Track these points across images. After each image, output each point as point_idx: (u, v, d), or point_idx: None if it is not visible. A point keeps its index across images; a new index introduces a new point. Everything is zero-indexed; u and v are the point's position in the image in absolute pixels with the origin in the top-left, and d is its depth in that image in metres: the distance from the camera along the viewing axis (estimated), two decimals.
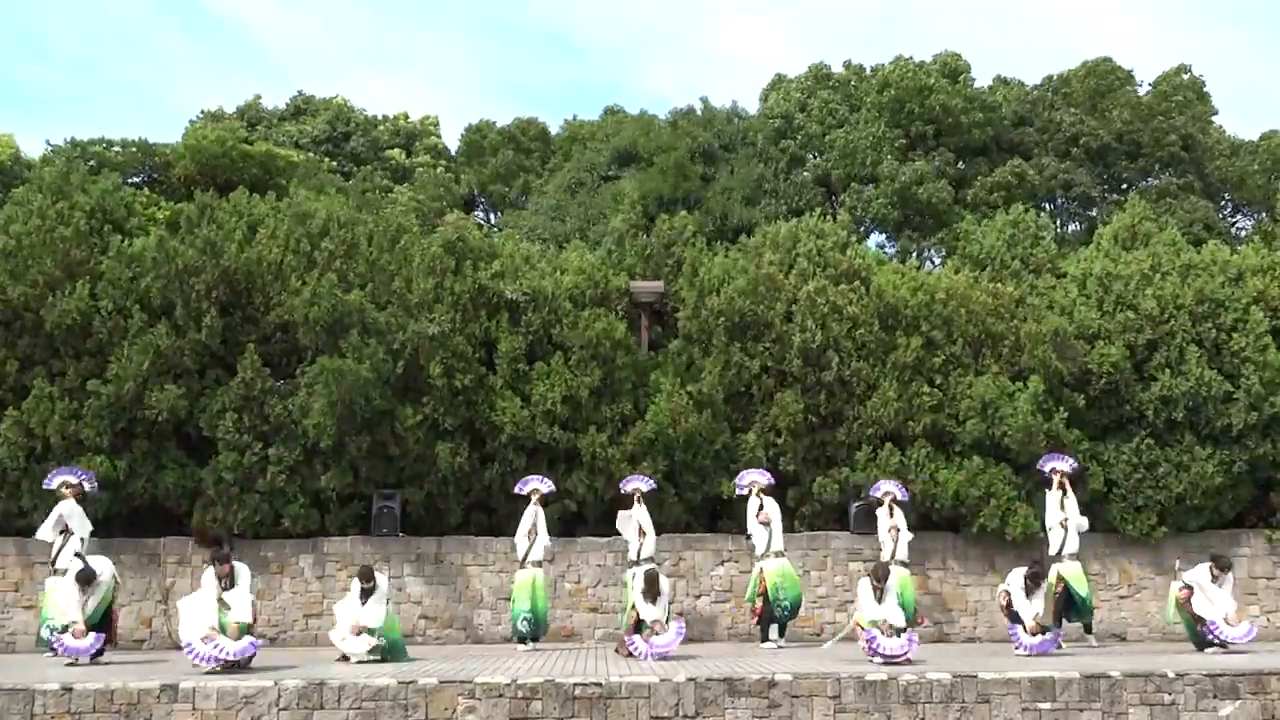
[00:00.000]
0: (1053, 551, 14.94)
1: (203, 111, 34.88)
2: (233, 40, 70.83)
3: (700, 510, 16.74)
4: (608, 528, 15.97)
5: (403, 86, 67.53)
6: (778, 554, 14.78)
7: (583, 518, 16.53)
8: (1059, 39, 64.16)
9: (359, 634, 12.90)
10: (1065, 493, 15.14)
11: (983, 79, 31.04)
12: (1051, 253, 19.64)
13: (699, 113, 31.06)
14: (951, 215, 26.62)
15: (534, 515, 14.82)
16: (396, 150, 35.23)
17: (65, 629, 12.88)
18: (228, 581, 12.29)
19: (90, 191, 17.69)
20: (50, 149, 26.27)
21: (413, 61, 71.81)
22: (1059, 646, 13.79)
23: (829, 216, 19.47)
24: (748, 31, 70.63)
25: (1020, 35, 67.71)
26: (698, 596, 16.10)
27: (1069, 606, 14.96)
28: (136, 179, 27.04)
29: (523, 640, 14.53)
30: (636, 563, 14.62)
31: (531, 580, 14.57)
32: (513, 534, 15.32)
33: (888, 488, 15.43)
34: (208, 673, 11.26)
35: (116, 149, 26.56)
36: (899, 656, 12.01)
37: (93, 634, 12.92)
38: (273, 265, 16.67)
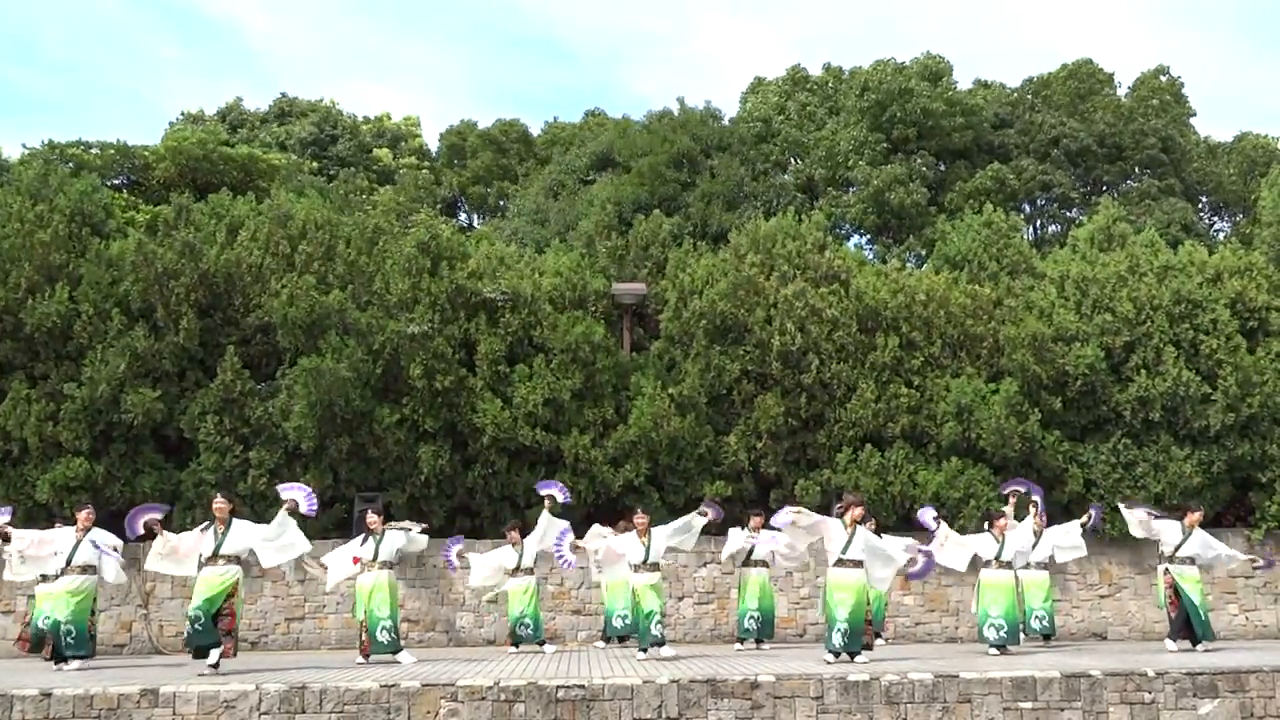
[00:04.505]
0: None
1: (182, 113, 34.70)
2: (223, 45, 70.71)
3: (683, 513, 16.67)
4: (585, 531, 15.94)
5: (390, 90, 67.60)
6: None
7: (566, 520, 16.49)
8: (1040, 41, 64.65)
9: None
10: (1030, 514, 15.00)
11: (964, 81, 31.21)
12: (1025, 252, 19.72)
13: (676, 114, 31.01)
14: (928, 218, 26.71)
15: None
16: (385, 150, 35.10)
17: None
18: None
19: (68, 194, 17.61)
20: (27, 151, 26.07)
21: (400, 65, 71.82)
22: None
23: (805, 218, 19.49)
24: (734, 35, 70.89)
25: (1001, 37, 68.17)
26: (680, 598, 16.11)
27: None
28: (116, 181, 26.86)
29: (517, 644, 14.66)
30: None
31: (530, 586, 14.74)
32: (496, 536, 15.28)
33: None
34: None
35: (95, 151, 26.36)
36: None
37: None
38: (252, 267, 16.63)
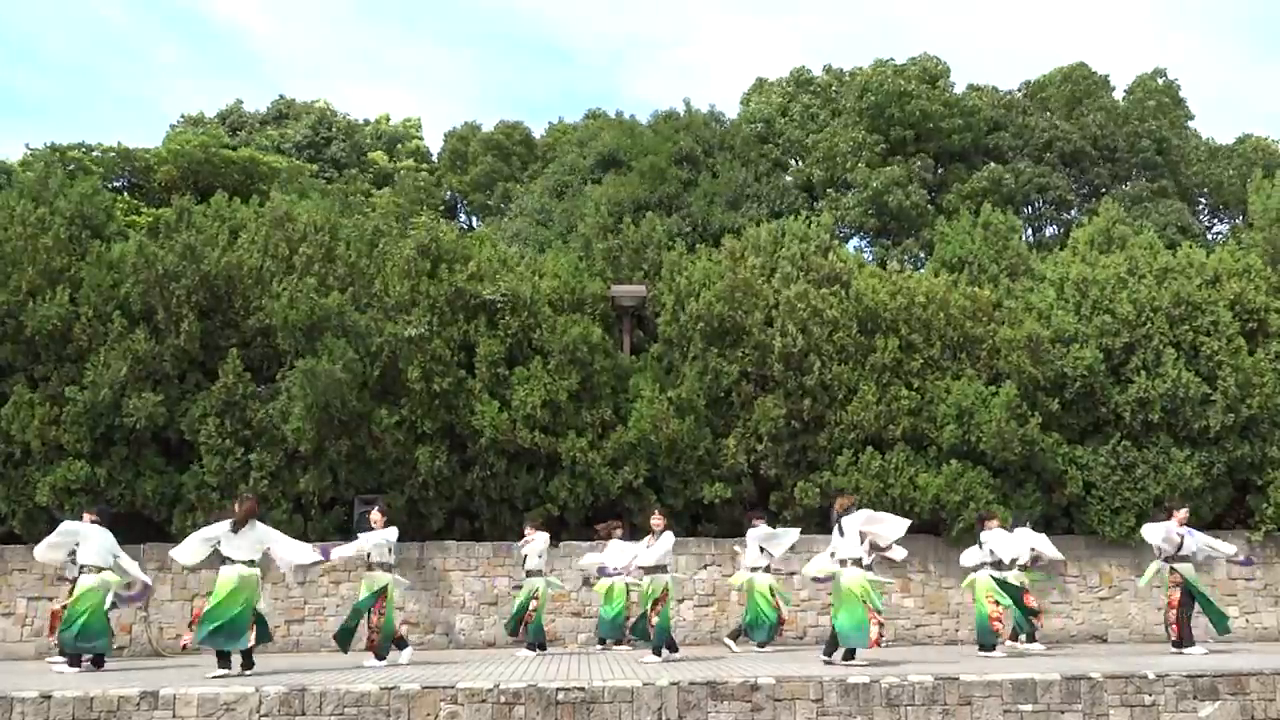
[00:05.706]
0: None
1: (182, 116, 34.72)
2: (225, 48, 70.85)
3: (682, 515, 16.74)
4: (589, 532, 15.97)
5: (392, 92, 67.62)
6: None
7: (564, 522, 16.52)
8: (1040, 44, 64.71)
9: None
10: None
11: (959, 84, 31.19)
12: (1023, 254, 19.73)
13: (681, 115, 31.01)
14: (927, 220, 26.70)
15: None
16: (379, 154, 35.09)
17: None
18: None
19: (69, 197, 17.63)
20: (30, 153, 26.10)
21: (403, 67, 71.88)
22: None
23: (812, 220, 19.52)
24: (735, 37, 70.93)
25: (998, 41, 68.23)
26: (680, 600, 16.09)
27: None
28: (117, 184, 26.89)
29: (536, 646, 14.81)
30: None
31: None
32: (495, 538, 15.29)
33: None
34: None
35: (96, 154, 26.39)
36: None
37: None
38: (252, 270, 16.65)
